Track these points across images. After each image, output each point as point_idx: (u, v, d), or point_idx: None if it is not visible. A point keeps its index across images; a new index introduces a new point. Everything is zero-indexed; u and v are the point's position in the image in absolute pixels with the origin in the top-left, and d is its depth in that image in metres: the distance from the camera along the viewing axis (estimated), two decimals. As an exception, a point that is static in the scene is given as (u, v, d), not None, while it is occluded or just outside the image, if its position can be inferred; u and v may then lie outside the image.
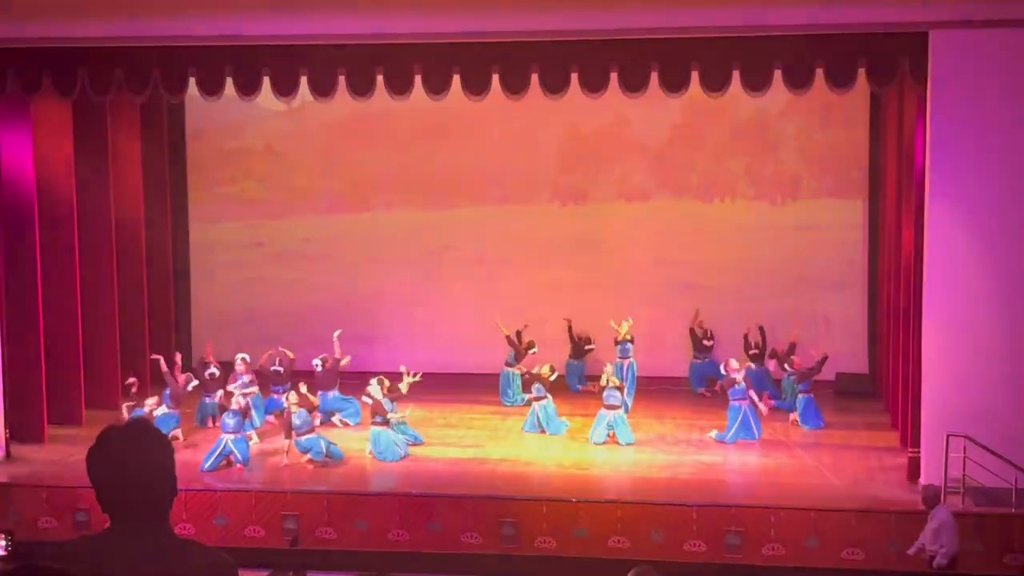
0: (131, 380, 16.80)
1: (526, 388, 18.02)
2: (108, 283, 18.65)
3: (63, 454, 15.97)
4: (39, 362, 16.71)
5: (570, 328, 20.21)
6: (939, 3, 14.16)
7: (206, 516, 14.14)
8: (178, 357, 17.90)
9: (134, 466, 3.28)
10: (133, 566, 3.22)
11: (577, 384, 20.16)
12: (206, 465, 15.27)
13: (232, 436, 15.55)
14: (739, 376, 16.90)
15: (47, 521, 14.40)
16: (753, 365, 18.63)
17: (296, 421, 15.69)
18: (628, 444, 16.52)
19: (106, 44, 15.50)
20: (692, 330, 20.14)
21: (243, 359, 17.89)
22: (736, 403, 16.79)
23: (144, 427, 3.38)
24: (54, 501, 14.50)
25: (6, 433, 16.06)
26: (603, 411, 16.83)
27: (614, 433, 16.63)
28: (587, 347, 20.28)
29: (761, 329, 19.25)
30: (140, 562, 3.24)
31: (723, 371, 17.44)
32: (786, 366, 18.32)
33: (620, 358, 18.98)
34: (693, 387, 20.12)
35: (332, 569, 13.08)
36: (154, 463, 3.32)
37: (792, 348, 18.40)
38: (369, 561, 13.48)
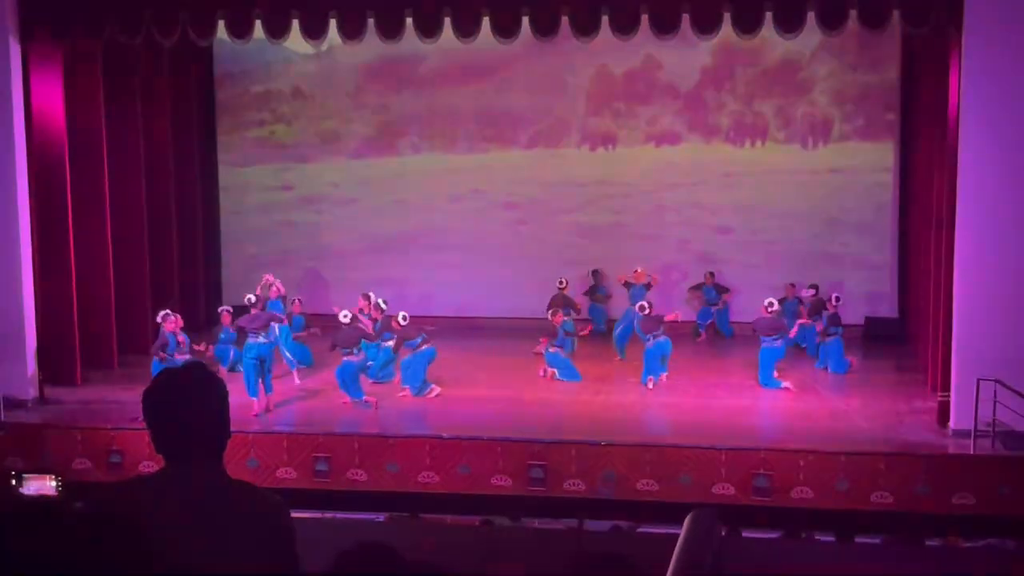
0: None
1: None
2: (138, 226, 18.78)
3: (96, 396, 16.16)
4: (71, 305, 16.83)
5: (595, 275, 20.33)
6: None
7: (238, 457, 14.21)
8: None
9: (189, 407, 3.34)
10: (187, 506, 3.28)
11: (603, 326, 20.24)
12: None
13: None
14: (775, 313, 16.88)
15: (81, 462, 14.54)
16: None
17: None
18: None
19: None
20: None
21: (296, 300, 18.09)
22: (770, 345, 16.70)
23: (199, 370, 3.42)
24: (89, 443, 14.64)
25: (40, 375, 16.21)
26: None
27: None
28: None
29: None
30: (194, 502, 3.29)
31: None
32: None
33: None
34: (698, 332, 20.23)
35: (362, 510, 13.16)
36: (209, 404, 3.38)
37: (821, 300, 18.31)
38: (399, 503, 13.59)
